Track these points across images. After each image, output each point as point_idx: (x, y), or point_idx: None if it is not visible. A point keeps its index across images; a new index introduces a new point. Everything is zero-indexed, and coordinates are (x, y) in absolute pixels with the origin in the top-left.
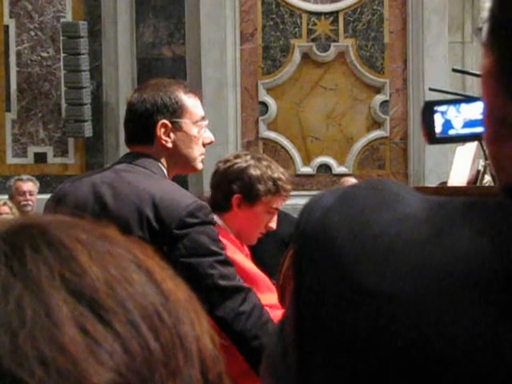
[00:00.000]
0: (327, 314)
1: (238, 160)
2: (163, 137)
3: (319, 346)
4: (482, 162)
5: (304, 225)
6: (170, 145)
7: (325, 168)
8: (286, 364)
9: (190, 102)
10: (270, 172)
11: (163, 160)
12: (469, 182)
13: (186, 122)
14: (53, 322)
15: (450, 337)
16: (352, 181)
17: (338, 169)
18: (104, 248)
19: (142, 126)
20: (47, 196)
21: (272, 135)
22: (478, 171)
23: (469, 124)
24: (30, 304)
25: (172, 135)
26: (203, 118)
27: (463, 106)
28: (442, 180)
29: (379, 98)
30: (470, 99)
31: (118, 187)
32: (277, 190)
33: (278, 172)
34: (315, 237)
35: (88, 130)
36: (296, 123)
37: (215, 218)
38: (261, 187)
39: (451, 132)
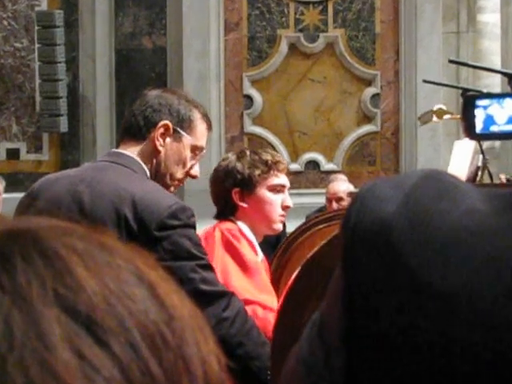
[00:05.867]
0: (383, 314)
1: (222, 163)
2: (159, 137)
3: (372, 348)
4: (481, 158)
5: (356, 216)
6: (160, 148)
7: (313, 164)
8: (329, 368)
9: (201, 128)
10: (255, 156)
11: (147, 162)
12: (468, 179)
13: (187, 139)
14: (44, 344)
15: None
16: (342, 178)
17: (326, 165)
18: (102, 259)
19: (145, 117)
20: (20, 195)
21: (257, 130)
22: (478, 167)
23: None
24: (19, 323)
25: (167, 141)
26: (201, 151)
27: (508, 100)
28: None
29: (370, 90)
30: None
31: (96, 185)
32: (268, 168)
33: (264, 153)
34: (370, 229)
35: (63, 124)
36: (283, 118)
37: (231, 226)
38: (251, 171)
39: (493, 128)
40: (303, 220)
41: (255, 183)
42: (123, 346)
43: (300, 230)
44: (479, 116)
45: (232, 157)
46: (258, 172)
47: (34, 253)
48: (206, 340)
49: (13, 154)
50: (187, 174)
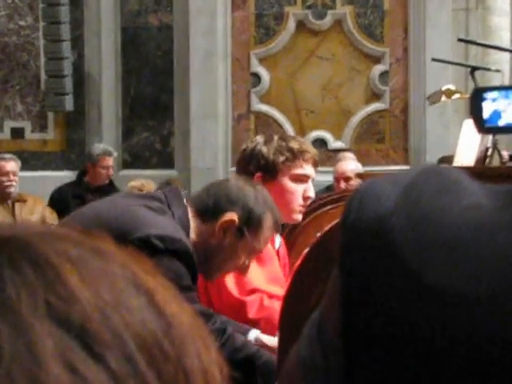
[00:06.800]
0: (382, 313)
1: (249, 144)
2: (221, 228)
3: (371, 347)
4: (491, 138)
5: (354, 214)
6: (216, 237)
7: (320, 143)
8: (328, 367)
9: (267, 235)
10: (282, 143)
11: (197, 239)
12: (478, 160)
13: (248, 240)
14: (35, 359)
15: None
16: (350, 156)
17: (334, 144)
18: (97, 266)
19: (217, 203)
20: (25, 174)
21: (264, 108)
22: (487, 148)
23: None
24: (7, 337)
25: (228, 236)
26: (259, 253)
27: None
28: (444, 154)
29: (378, 68)
30: None
31: (118, 201)
32: (293, 156)
33: (292, 140)
34: (368, 227)
35: (69, 103)
36: (290, 95)
37: None
38: (275, 157)
39: (501, 121)
40: None
41: (278, 170)
42: (119, 360)
43: (306, 211)
44: (487, 109)
45: (260, 140)
46: (282, 159)
47: (24, 261)
48: (208, 349)
49: (17, 133)
50: (236, 269)
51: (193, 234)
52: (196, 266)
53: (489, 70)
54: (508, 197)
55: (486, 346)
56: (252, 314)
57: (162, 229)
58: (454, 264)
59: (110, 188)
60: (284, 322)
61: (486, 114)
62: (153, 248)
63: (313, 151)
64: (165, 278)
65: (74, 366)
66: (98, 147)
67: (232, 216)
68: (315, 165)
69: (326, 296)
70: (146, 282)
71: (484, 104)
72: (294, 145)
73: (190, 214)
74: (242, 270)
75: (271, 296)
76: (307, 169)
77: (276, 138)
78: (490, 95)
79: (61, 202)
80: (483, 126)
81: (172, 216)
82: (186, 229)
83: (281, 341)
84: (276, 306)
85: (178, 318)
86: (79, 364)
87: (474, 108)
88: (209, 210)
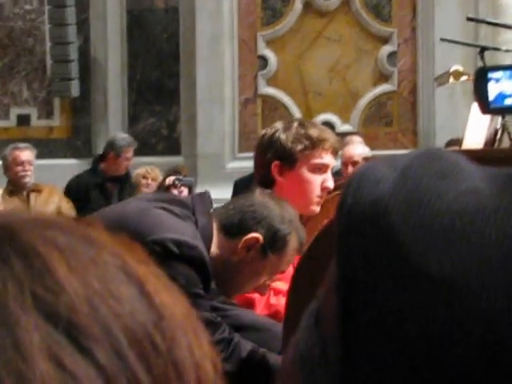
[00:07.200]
0: (379, 302)
1: (268, 131)
2: (244, 248)
3: (368, 337)
4: (500, 120)
5: (351, 199)
6: (238, 255)
7: (327, 126)
8: (325, 358)
9: (291, 256)
10: (301, 130)
11: (219, 252)
12: (487, 143)
13: (272, 260)
14: (21, 354)
15: None
16: (357, 140)
17: (341, 127)
18: (86, 254)
19: (243, 220)
20: None
21: (271, 91)
22: (496, 130)
23: None
24: None
25: (252, 253)
26: (282, 273)
27: None
28: (452, 137)
29: (386, 48)
30: None
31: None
32: (312, 145)
33: (312, 128)
34: (366, 212)
35: (75, 88)
36: (297, 78)
37: None
38: (294, 145)
39: (508, 101)
40: None
41: (297, 159)
42: (108, 354)
43: None
44: (492, 90)
45: (279, 126)
46: (300, 147)
47: (11, 250)
48: (200, 342)
49: (23, 120)
50: (256, 288)
51: (214, 248)
52: (210, 275)
53: (499, 50)
54: (507, 180)
55: (491, 337)
56: (259, 310)
57: (179, 234)
58: (449, 252)
59: (126, 177)
60: (287, 318)
61: (491, 95)
62: (167, 252)
63: (333, 139)
64: (175, 283)
65: (62, 361)
66: (124, 138)
67: (257, 235)
68: (335, 153)
69: (324, 285)
70: (137, 271)
71: (489, 84)
72: (314, 132)
73: (215, 227)
74: (262, 290)
75: (278, 292)
76: (326, 158)
77: (295, 124)
78: (494, 75)
79: (80, 191)
80: (488, 107)
81: (195, 223)
82: (208, 239)
83: (284, 336)
84: (282, 302)
85: (169, 309)
86: (67, 359)
87: (478, 88)
88: (234, 226)
